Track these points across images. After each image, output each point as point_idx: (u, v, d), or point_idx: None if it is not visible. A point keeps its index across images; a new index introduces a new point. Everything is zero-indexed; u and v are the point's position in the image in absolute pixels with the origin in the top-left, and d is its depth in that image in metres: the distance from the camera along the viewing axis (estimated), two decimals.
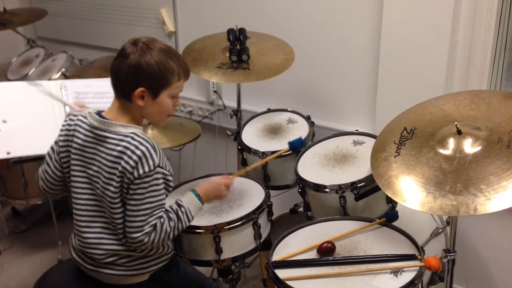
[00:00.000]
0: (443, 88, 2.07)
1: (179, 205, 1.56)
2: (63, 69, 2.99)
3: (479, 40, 2.06)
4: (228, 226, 1.74)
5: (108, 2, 3.35)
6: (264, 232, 1.85)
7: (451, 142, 1.48)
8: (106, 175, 1.49)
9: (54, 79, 2.86)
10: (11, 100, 2.32)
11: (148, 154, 1.46)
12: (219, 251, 1.74)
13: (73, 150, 1.56)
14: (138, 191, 1.46)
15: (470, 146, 1.45)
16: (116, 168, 1.46)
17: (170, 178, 1.55)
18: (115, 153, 1.47)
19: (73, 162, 1.56)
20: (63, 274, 1.71)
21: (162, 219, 1.49)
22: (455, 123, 1.49)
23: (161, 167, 1.49)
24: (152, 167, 1.45)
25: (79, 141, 1.54)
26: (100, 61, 2.95)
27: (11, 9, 3.45)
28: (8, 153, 2.25)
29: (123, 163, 1.45)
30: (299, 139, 1.97)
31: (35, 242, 3.03)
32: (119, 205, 1.50)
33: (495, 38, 2.05)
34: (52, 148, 1.63)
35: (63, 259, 2.73)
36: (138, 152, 1.45)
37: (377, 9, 2.20)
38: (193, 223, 1.74)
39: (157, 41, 1.54)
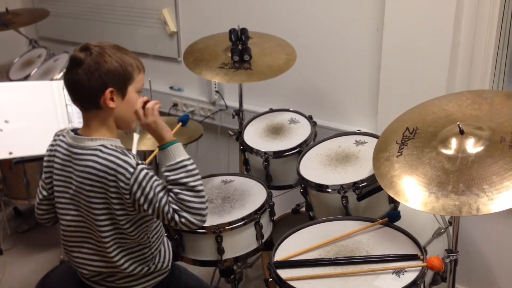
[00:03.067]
0: (445, 88, 2.07)
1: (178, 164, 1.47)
2: (65, 69, 2.99)
3: (481, 40, 2.06)
4: (230, 226, 1.74)
5: (110, 3, 3.36)
6: (266, 232, 1.85)
7: (454, 142, 1.47)
8: (86, 193, 1.45)
9: (56, 79, 2.87)
10: (13, 100, 2.33)
11: (121, 162, 1.41)
12: (221, 251, 1.74)
13: (54, 171, 1.53)
14: (139, 190, 1.42)
15: (472, 146, 1.44)
16: (95, 186, 1.43)
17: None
18: (87, 169, 1.43)
19: (55, 183, 1.53)
20: (65, 274, 1.71)
21: (172, 193, 1.44)
22: (458, 123, 1.48)
23: (141, 163, 1.44)
24: (131, 168, 1.41)
25: (58, 160, 1.51)
26: None
27: (13, 10, 3.45)
28: (11, 153, 2.26)
29: (101, 179, 1.41)
30: (186, 114, 2.06)
31: (37, 242, 3.03)
32: (105, 222, 1.46)
33: (497, 38, 2.05)
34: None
35: (65, 260, 2.73)
36: (111, 165, 1.41)
37: (379, 9, 2.20)
38: None
39: (106, 42, 1.50)
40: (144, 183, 1.41)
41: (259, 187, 1.98)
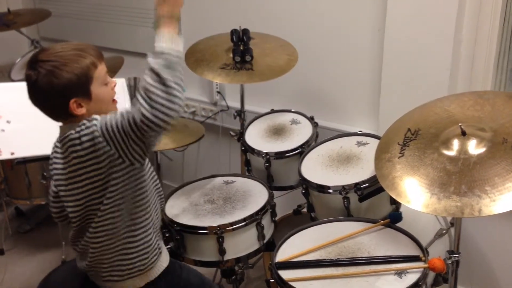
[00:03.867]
0: (447, 89, 2.07)
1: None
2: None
3: (483, 41, 2.05)
4: (232, 227, 1.74)
5: (111, 3, 3.36)
6: (268, 233, 1.85)
7: (456, 143, 1.47)
8: (68, 174, 1.46)
9: None
10: (15, 100, 2.32)
11: (89, 123, 1.41)
12: (222, 251, 1.74)
13: (54, 166, 1.56)
14: (104, 127, 1.37)
15: (474, 147, 1.44)
16: (73, 164, 1.43)
17: None
18: (65, 154, 1.45)
19: (54, 177, 1.56)
20: (67, 274, 1.72)
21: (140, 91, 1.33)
22: (460, 124, 1.48)
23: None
24: (96, 118, 1.41)
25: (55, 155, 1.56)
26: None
27: (15, 10, 3.45)
28: (12, 153, 2.25)
29: (73, 154, 1.42)
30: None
31: (39, 242, 3.04)
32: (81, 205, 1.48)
33: (499, 38, 2.05)
34: None
35: (66, 260, 2.74)
36: (84, 131, 1.41)
37: (380, 9, 2.19)
38: (197, 223, 1.75)
39: (50, 48, 1.45)
40: (107, 120, 1.38)
41: (260, 188, 1.98)
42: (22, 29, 3.45)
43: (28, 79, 1.43)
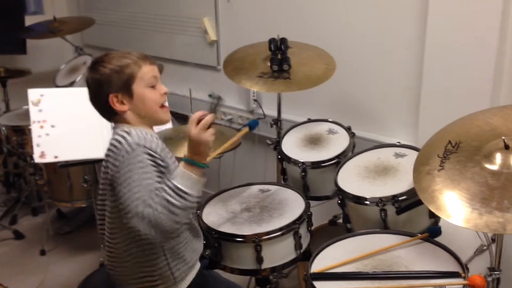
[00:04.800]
0: (490, 101, 2.02)
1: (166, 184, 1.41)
2: None
3: None
4: (270, 236, 1.74)
5: (152, 12, 3.44)
6: (305, 242, 1.85)
7: (498, 157, 1.43)
8: (104, 175, 1.53)
9: None
10: (59, 106, 2.41)
11: (123, 140, 1.46)
12: (260, 260, 1.75)
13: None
14: (124, 173, 1.41)
15: None
16: (107, 172, 1.50)
17: (161, 162, 1.47)
18: (107, 152, 1.52)
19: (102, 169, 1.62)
20: (106, 278, 1.75)
21: (153, 209, 1.36)
22: (503, 137, 1.44)
23: (144, 147, 1.44)
24: (128, 149, 1.43)
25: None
26: None
27: (60, 18, 3.57)
28: (56, 157, 2.33)
29: (111, 163, 1.48)
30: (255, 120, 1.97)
31: (79, 244, 3.12)
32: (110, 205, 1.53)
33: None
34: None
35: (105, 262, 2.78)
36: (115, 144, 1.48)
37: (421, 17, 2.16)
38: (235, 231, 1.77)
39: (110, 53, 1.56)
40: (131, 167, 1.41)
41: (296, 197, 1.97)
42: (66, 36, 3.57)
43: (86, 81, 1.58)
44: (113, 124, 1.61)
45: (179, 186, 1.39)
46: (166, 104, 1.61)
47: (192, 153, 1.45)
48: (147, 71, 1.55)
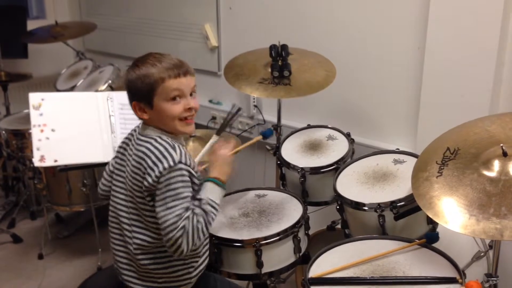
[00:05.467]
0: (488, 109, 2.03)
1: (199, 199, 1.54)
2: (110, 81, 3.09)
3: None
4: (270, 240, 1.75)
5: (154, 17, 3.46)
6: (303, 246, 1.85)
7: (496, 164, 1.44)
8: (132, 174, 1.54)
9: (101, 91, 2.96)
10: (60, 110, 2.42)
11: (166, 153, 1.49)
12: (260, 264, 1.75)
13: (119, 150, 1.68)
14: (163, 186, 1.47)
15: None
16: (139, 169, 1.51)
17: (196, 180, 1.55)
18: (139, 153, 1.53)
19: (117, 160, 1.67)
20: (103, 282, 1.75)
21: (190, 219, 1.47)
22: (501, 144, 1.45)
23: (184, 164, 1.49)
24: (171, 163, 1.47)
25: (125, 141, 1.67)
26: None
27: (62, 23, 3.60)
28: (56, 160, 2.34)
29: (144, 163, 1.50)
30: (270, 129, 2.19)
31: (77, 248, 3.12)
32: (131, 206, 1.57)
33: None
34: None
35: (102, 266, 2.79)
36: (156, 151, 1.50)
37: (421, 27, 2.18)
38: (235, 236, 1.77)
39: (151, 54, 1.59)
40: (173, 181, 1.47)
41: (293, 201, 1.98)
42: (68, 41, 3.59)
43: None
44: (139, 124, 1.64)
45: (212, 198, 1.54)
46: (192, 116, 1.60)
47: (217, 174, 1.61)
48: (169, 85, 1.53)
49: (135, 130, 1.65)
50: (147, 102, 1.54)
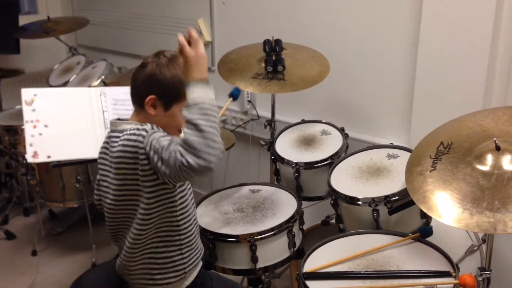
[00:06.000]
0: (482, 103, 2.04)
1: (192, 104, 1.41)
2: (103, 77, 3.08)
3: None
4: (265, 235, 1.75)
5: (147, 12, 3.44)
6: (297, 240, 1.86)
7: (489, 158, 1.45)
8: (115, 175, 1.52)
9: (94, 86, 2.95)
10: (52, 105, 2.40)
11: (138, 132, 1.47)
12: (255, 259, 1.75)
13: (100, 156, 1.64)
14: (151, 149, 1.43)
15: (509, 163, 1.41)
16: (123, 166, 1.49)
17: None
18: (118, 153, 1.50)
19: (99, 167, 1.64)
20: (98, 278, 1.75)
21: (181, 136, 1.39)
22: (494, 139, 1.46)
23: (158, 131, 1.49)
24: (148, 130, 1.47)
25: (104, 146, 1.63)
26: None
27: (54, 18, 3.57)
28: (49, 156, 2.32)
29: (129, 149, 1.47)
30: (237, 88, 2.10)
31: (70, 244, 3.11)
32: (128, 204, 1.53)
33: None
34: None
35: (97, 263, 2.79)
36: (132, 135, 1.48)
37: (414, 22, 2.18)
38: (229, 232, 1.78)
39: (179, 57, 1.53)
40: (154, 142, 1.43)
41: (288, 196, 1.99)
42: (60, 36, 3.56)
43: (143, 61, 1.57)
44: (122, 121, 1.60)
45: (197, 99, 1.40)
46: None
47: (194, 73, 1.44)
48: None
49: (108, 137, 1.61)
50: (166, 103, 1.54)
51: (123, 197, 1.54)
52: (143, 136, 1.46)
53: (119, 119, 1.61)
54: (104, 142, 1.63)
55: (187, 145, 1.35)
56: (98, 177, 1.68)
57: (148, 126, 1.52)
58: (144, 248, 1.57)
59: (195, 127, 1.36)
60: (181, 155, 1.35)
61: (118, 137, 1.53)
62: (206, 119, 1.38)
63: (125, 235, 1.60)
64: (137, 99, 1.57)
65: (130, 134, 1.49)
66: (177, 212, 1.56)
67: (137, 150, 1.46)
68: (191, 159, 1.34)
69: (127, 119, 1.61)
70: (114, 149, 1.52)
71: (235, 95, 2.03)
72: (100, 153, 1.64)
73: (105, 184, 1.60)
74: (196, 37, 1.46)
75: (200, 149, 1.34)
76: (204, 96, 1.41)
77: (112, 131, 1.59)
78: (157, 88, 1.53)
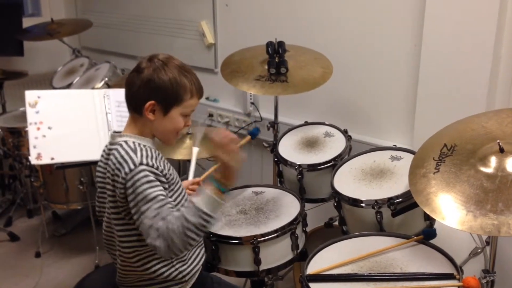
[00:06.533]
0: (485, 105, 2.03)
1: (188, 204, 1.43)
2: (106, 79, 3.09)
3: None
4: (268, 237, 1.75)
5: (150, 14, 3.45)
6: (301, 242, 1.85)
7: (493, 160, 1.44)
8: (109, 186, 1.52)
9: (97, 88, 2.95)
10: (56, 107, 2.41)
11: (126, 156, 1.46)
12: (258, 261, 1.75)
13: (97, 168, 1.63)
14: (131, 192, 1.42)
15: None
16: (107, 177, 1.51)
17: (163, 179, 1.47)
18: (108, 162, 1.51)
19: (97, 179, 1.62)
20: (101, 280, 1.75)
21: (167, 221, 1.38)
22: (498, 141, 1.45)
23: (146, 165, 1.44)
24: (132, 166, 1.44)
25: (101, 159, 1.62)
26: None
27: (58, 20, 3.58)
28: (53, 158, 2.33)
29: (110, 170, 1.49)
30: (256, 128, 2.08)
31: (74, 246, 3.11)
32: (115, 216, 1.53)
33: None
34: None
35: (100, 264, 2.79)
36: (118, 157, 1.47)
37: (418, 24, 2.18)
38: (233, 234, 1.77)
39: (173, 59, 1.55)
40: (139, 190, 1.41)
41: (291, 198, 1.98)
42: (64, 38, 3.57)
43: (138, 66, 1.54)
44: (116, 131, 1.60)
45: (205, 210, 1.39)
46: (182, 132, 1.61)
47: (222, 177, 1.43)
48: (192, 103, 1.56)
49: (106, 146, 1.61)
50: (165, 107, 1.52)
51: (114, 209, 1.53)
52: (130, 170, 1.43)
53: (115, 132, 1.59)
54: (101, 155, 1.61)
55: (167, 234, 1.36)
56: (98, 190, 1.66)
57: (138, 156, 1.46)
58: (136, 267, 1.55)
59: (186, 230, 1.36)
60: (157, 236, 1.36)
61: (112, 149, 1.53)
62: (199, 231, 1.39)
63: (115, 253, 1.59)
64: (134, 105, 1.54)
65: (119, 155, 1.47)
66: None
67: (116, 178, 1.46)
68: (162, 247, 1.36)
69: (120, 132, 1.58)
70: (110, 163, 1.51)
71: (253, 134, 2.01)
72: (99, 166, 1.62)
73: (102, 195, 1.60)
74: (233, 136, 1.42)
75: (176, 246, 1.37)
76: (211, 209, 1.40)
77: (110, 143, 1.57)
78: (156, 93, 1.50)
